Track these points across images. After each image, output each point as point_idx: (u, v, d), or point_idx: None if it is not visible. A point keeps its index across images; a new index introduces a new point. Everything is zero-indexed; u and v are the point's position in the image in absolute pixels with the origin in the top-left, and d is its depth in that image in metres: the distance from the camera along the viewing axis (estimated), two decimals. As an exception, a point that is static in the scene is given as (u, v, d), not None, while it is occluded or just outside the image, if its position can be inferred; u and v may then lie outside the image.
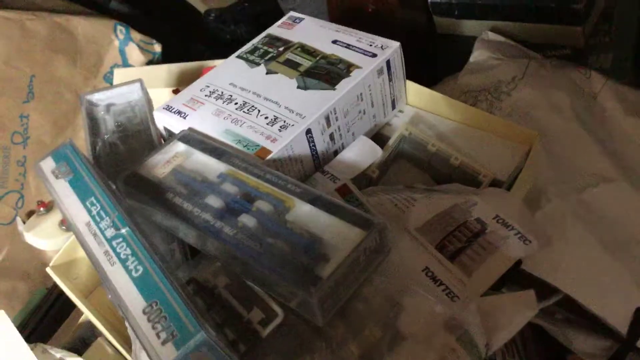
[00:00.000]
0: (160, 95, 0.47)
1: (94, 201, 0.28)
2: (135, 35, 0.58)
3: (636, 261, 0.39)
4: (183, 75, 0.50)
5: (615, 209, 0.41)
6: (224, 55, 0.55)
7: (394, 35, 0.57)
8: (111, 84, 0.55)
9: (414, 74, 0.57)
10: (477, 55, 0.51)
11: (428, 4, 0.60)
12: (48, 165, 0.30)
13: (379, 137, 0.38)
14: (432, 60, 0.63)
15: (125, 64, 0.57)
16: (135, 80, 0.38)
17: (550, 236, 0.37)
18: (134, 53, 0.57)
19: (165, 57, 0.62)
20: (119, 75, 0.51)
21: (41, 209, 0.42)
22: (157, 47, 0.59)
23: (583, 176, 0.43)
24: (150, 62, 0.58)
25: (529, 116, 0.46)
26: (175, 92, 0.48)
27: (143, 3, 0.67)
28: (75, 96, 0.54)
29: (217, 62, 0.47)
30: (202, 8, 0.70)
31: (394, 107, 0.39)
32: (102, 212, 0.27)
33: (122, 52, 0.57)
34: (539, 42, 0.58)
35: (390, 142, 0.36)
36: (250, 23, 0.72)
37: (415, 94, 0.41)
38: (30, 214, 0.49)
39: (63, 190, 0.29)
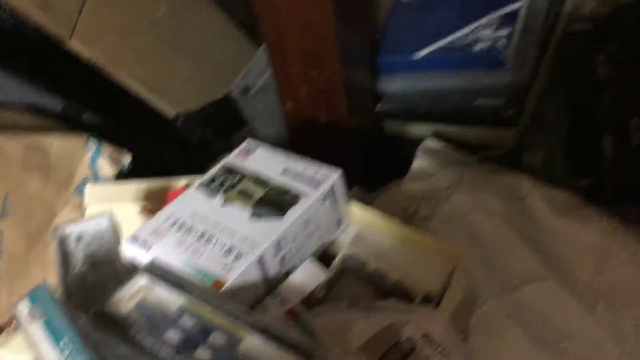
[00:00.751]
0: (129, 210, 0.51)
1: (66, 342, 0.31)
2: (106, 148, 0.62)
3: (563, 355, 0.43)
4: (151, 191, 0.54)
5: (545, 307, 0.45)
6: (194, 158, 0.59)
7: (345, 140, 0.62)
8: (82, 195, 0.59)
9: (365, 176, 0.62)
10: (419, 162, 0.57)
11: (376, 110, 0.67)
12: (24, 306, 0.33)
13: (325, 255, 0.42)
14: (382, 161, 0.68)
15: (96, 176, 0.61)
16: (104, 213, 0.42)
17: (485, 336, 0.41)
18: (104, 166, 0.62)
19: (137, 164, 0.67)
20: (91, 192, 0.55)
21: (12, 325, 0.44)
22: (127, 159, 0.64)
23: (515, 276, 0.47)
24: (119, 173, 0.63)
25: (465, 221, 0.51)
26: (145, 208, 0.52)
27: (114, 113, 0.72)
28: (47, 210, 0.57)
29: (184, 180, 0.51)
30: (170, 112, 0.75)
31: (338, 226, 0.44)
32: (74, 353, 0.31)
33: (93, 165, 0.61)
34: (477, 143, 0.64)
35: (335, 262, 0.40)
36: (217, 125, 0.78)
37: (358, 212, 0.45)
38: (1, 330, 0.52)
39: (37, 332, 0.32)
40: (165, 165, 0.73)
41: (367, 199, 0.58)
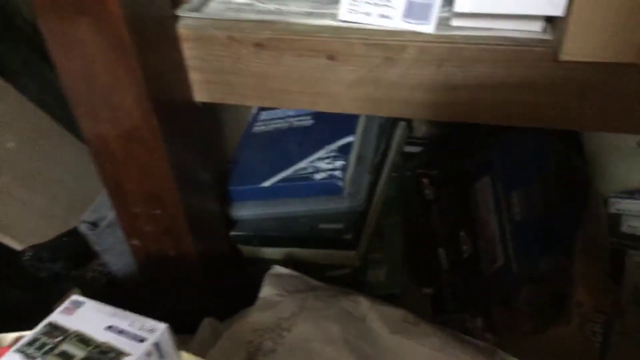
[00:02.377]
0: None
1: None
2: None
3: None
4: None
5: None
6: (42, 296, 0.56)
7: (195, 272, 0.63)
8: None
9: (220, 304, 0.63)
10: (265, 291, 0.58)
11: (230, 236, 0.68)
12: None
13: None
14: (237, 285, 0.69)
15: None
16: None
17: None
18: None
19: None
20: None
21: None
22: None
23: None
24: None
25: (308, 349, 0.53)
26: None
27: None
28: None
29: (13, 335, 0.48)
30: (17, 247, 0.72)
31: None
32: None
33: None
34: (324, 263, 0.67)
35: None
36: (68, 259, 0.75)
37: None
38: None
39: None
40: (10, 306, 0.69)
41: (218, 331, 0.58)
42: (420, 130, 0.89)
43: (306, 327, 0.54)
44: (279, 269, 0.60)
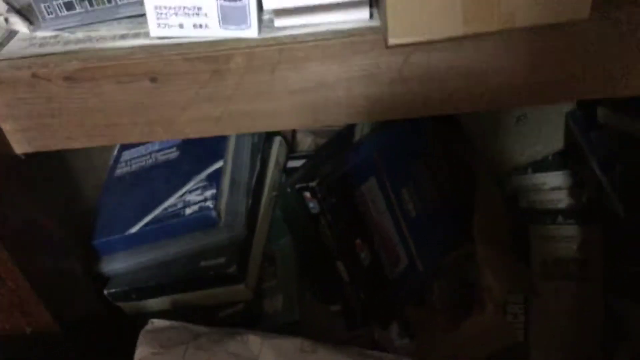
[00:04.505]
0: None
1: None
2: None
3: None
4: None
5: None
6: None
7: (65, 346, 0.55)
8: None
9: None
10: (139, 353, 0.52)
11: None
12: None
13: None
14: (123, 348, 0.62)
15: None
16: None
17: None
18: None
19: None
20: None
21: None
22: None
23: None
24: None
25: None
26: None
27: None
28: None
29: None
30: None
31: None
32: None
33: None
34: (215, 303, 0.61)
35: None
36: None
37: None
38: None
39: None
40: None
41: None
42: (305, 143, 0.85)
43: (188, 382, 0.48)
44: (156, 323, 0.54)
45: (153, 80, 0.42)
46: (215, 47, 0.41)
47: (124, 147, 0.71)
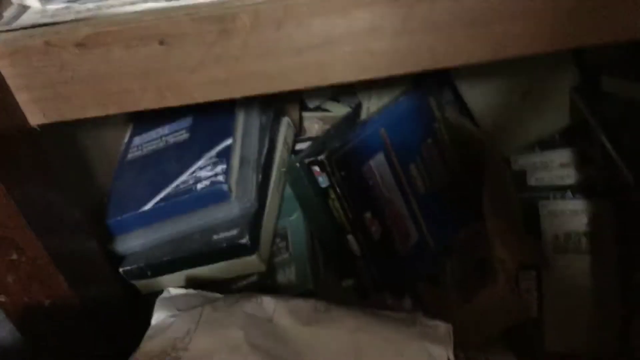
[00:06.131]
0: None
1: None
2: None
3: None
4: None
5: None
6: None
7: (80, 320, 0.56)
8: None
9: (116, 349, 0.56)
10: (156, 318, 0.52)
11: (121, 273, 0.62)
12: None
13: None
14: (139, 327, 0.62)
15: None
16: None
17: None
18: None
19: None
20: None
21: None
22: None
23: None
24: None
25: (210, 365, 0.47)
26: None
27: None
28: None
29: None
30: None
31: None
32: None
33: None
34: (228, 276, 0.62)
35: None
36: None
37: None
38: None
39: None
40: None
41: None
42: (313, 129, 0.87)
43: (205, 341, 0.48)
44: (171, 291, 0.54)
45: (162, 43, 0.43)
46: (222, 6, 0.42)
47: (135, 133, 0.72)
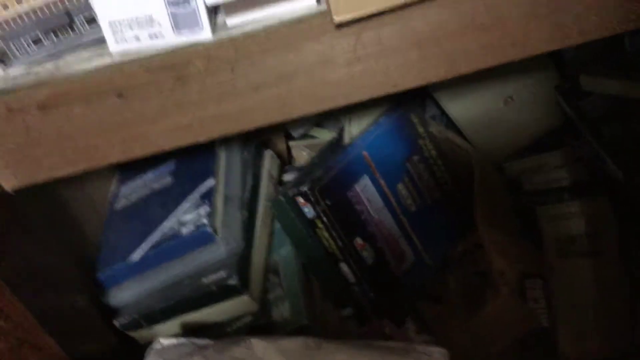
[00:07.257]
0: None
1: None
2: None
3: None
4: None
5: None
6: None
7: None
8: None
9: None
10: (147, 371, 0.52)
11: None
12: None
13: None
14: None
15: None
16: None
17: None
18: None
19: None
20: None
21: None
22: None
23: None
24: None
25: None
26: None
27: None
28: None
29: None
30: None
31: None
32: None
33: None
34: (223, 319, 0.61)
35: None
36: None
37: None
38: None
39: None
40: None
41: None
42: (301, 157, 0.87)
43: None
44: (162, 342, 0.54)
45: (120, 96, 0.43)
46: (174, 54, 0.42)
47: (122, 180, 0.72)
